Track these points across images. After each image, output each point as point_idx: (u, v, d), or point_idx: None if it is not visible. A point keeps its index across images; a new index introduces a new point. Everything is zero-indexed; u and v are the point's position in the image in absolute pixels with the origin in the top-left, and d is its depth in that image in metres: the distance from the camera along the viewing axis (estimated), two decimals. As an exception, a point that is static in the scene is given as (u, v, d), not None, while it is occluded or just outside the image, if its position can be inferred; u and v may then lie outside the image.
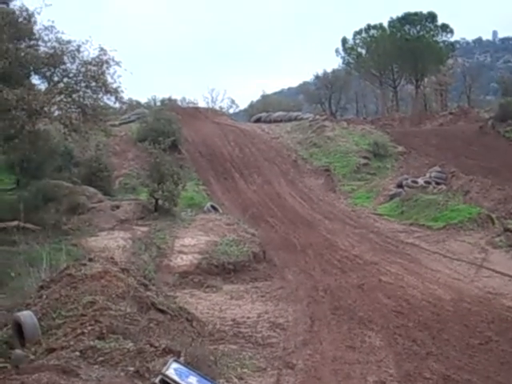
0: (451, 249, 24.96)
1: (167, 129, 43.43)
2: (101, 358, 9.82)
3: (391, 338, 14.52)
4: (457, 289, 18.93)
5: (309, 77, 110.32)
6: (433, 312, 16.57)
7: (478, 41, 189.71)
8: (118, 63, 26.90)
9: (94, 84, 26.90)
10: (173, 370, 9.20)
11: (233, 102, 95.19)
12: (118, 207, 29.94)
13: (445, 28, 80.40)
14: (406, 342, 14.16)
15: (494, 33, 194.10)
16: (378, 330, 15.19)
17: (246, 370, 12.52)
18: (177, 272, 22.04)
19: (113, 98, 28.00)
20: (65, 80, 27.25)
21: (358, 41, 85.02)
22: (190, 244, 24.36)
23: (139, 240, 24.76)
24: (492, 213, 28.91)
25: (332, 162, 46.87)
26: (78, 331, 10.80)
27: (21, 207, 22.98)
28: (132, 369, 9.65)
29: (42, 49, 27.04)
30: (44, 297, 12.83)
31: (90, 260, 14.51)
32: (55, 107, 26.39)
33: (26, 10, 26.76)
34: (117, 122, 49.05)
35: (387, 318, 16.21)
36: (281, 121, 63.03)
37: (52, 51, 26.58)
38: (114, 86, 27.20)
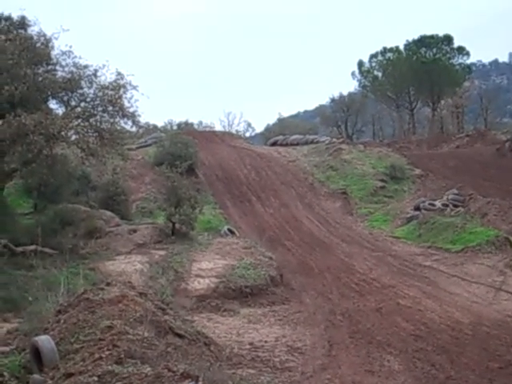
0: (469, 272, 24.81)
1: (184, 152, 43.66)
2: (119, 383, 9.78)
3: (410, 361, 14.41)
4: (475, 312, 18.79)
5: (325, 100, 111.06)
6: (451, 336, 16.44)
7: (495, 63, 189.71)
8: (134, 87, 26.99)
9: (111, 108, 26.97)
10: (191, 394, 9.17)
11: (249, 125, 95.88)
12: (135, 231, 29.97)
13: (461, 50, 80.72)
14: (425, 365, 14.05)
15: (511, 55, 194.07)
16: (396, 353, 15.08)
17: (264, 395, 12.47)
18: (194, 296, 22.05)
19: (130, 122, 28.03)
20: (82, 104, 27.37)
21: (374, 64, 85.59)
22: (207, 268, 24.36)
23: (156, 264, 24.77)
24: (510, 235, 28.68)
25: (349, 184, 46.83)
26: (96, 356, 10.76)
27: (38, 231, 22.94)
28: (150, 393, 9.60)
29: (60, 73, 27.19)
30: (62, 321, 12.82)
31: (108, 284, 14.50)
32: (72, 131, 26.44)
33: (44, 35, 26.95)
34: (134, 146, 49.30)
35: (406, 341, 16.10)
36: (297, 144, 63.03)
37: (69, 76, 26.74)
38: (131, 110, 27.27)
